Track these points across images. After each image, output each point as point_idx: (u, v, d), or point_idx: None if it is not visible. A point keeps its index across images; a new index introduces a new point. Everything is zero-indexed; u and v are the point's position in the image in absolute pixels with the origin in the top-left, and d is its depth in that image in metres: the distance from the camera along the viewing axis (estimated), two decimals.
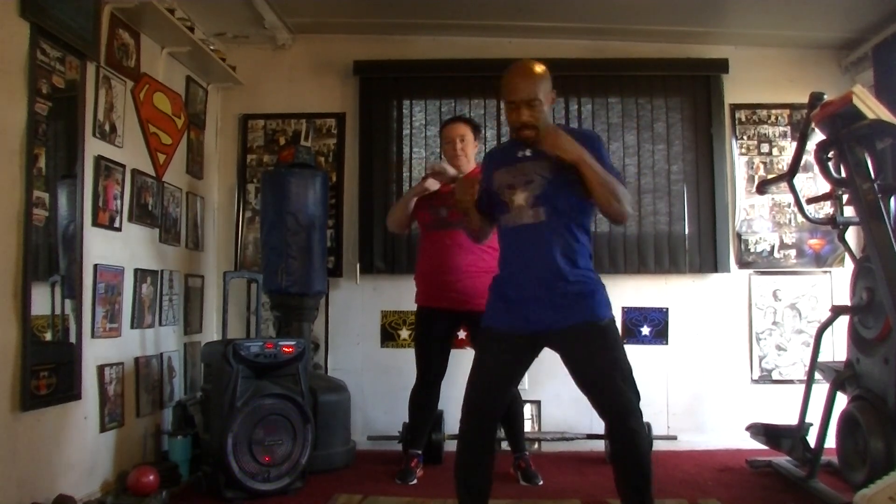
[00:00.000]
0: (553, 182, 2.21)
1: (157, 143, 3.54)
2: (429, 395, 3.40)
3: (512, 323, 2.25)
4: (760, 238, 4.26)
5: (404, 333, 4.23)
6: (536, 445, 4.00)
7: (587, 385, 2.22)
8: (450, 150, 3.38)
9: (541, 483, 3.28)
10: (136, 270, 3.34)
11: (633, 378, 2.19)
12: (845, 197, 3.28)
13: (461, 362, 3.51)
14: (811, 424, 3.21)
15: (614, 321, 2.28)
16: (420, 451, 3.45)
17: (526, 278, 2.23)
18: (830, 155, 3.07)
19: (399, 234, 3.73)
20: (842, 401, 3.14)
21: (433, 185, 3.30)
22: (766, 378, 4.18)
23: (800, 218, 3.97)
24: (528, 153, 2.28)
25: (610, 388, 2.15)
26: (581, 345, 2.20)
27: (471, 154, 3.39)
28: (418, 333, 3.46)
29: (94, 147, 3.00)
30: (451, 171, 3.27)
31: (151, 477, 2.95)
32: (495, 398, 2.31)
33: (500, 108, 4.28)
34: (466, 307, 3.20)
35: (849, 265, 3.65)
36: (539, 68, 2.26)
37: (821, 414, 3.08)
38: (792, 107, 4.26)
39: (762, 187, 3.71)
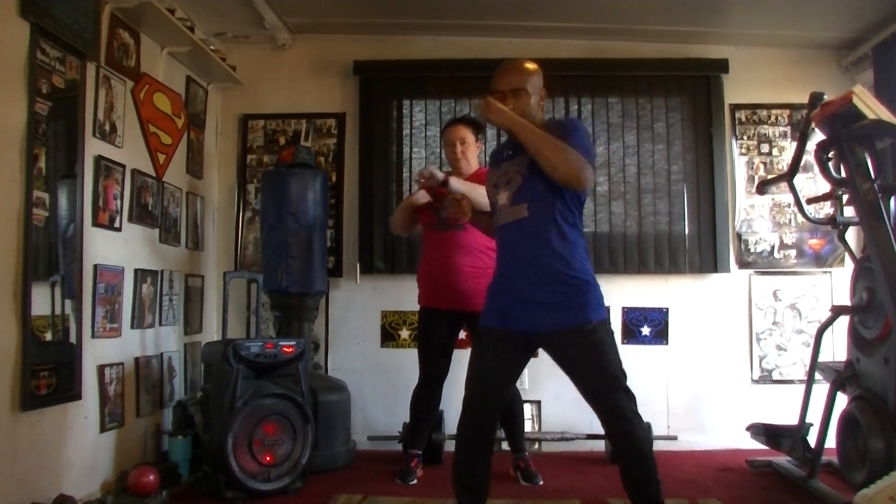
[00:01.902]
0: (527, 177, 2.22)
1: (157, 143, 3.54)
2: (431, 395, 3.40)
3: (505, 322, 2.26)
4: (760, 238, 4.26)
5: (404, 333, 4.23)
6: (536, 445, 4.00)
7: (580, 387, 2.25)
8: (451, 154, 3.38)
9: (541, 483, 3.28)
10: (136, 270, 3.34)
11: (624, 378, 2.19)
12: (845, 197, 3.28)
13: (462, 362, 3.51)
14: (811, 424, 3.21)
15: (606, 321, 2.25)
16: (420, 452, 3.45)
17: (514, 277, 2.25)
18: (830, 155, 3.07)
19: (404, 236, 3.73)
20: (842, 401, 3.14)
21: (422, 198, 3.27)
22: (766, 378, 4.18)
23: (800, 218, 3.97)
24: (510, 152, 2.33)
25: (601, 391, 2.18)
26: (571, 349, 2.22)
27: (472, 156, 3.38)
28: (421, 334, 3.46)
29: (94, 147, 3.00)
30: (439, 175, 3.09)
31: (151, 477, 2.95)
32: (493, 397, 2.32)
33: None
34: (468, 308, 3.19)
35: (849, 265, 3.65)
36: (529, 64, 2.33)
37: (821, 414, 3.09)
38: (792, 107, 4.26)
39: (762, 187, 3.71)
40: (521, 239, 2.24)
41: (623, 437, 2.19)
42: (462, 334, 3.59)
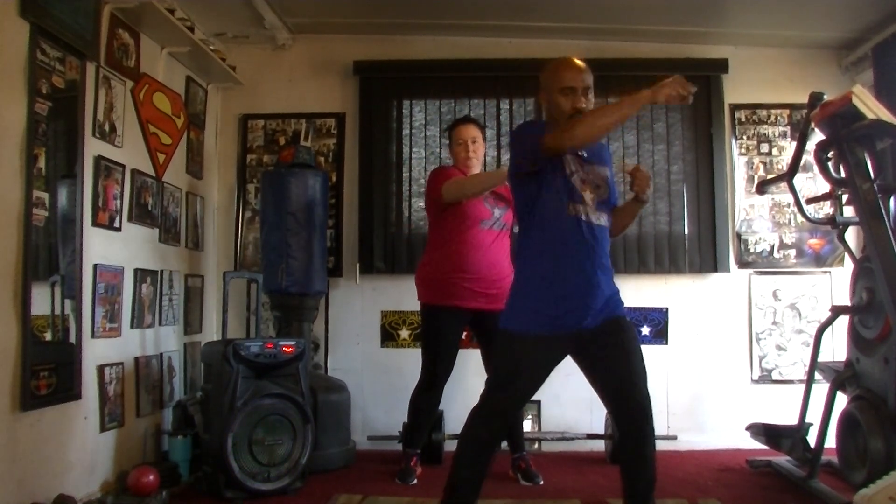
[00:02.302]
0: (610, 193, 2.34)
1: (157, 143, 3.54)
2: (433, 395, 3.37)
3: (563, 323, 2.22)
4: (760, 238, 4.26)
5: (404, 333, 4.23)
6: (536, 445, 4.00)
7: (618, 378, 2.21)
8: (462, 152, 3.34)
9: (541, 483, 3.27)
10: (136, 270, 3.34)
11: None
12: (845, 197, 3.28)
13: (463, 363, 3.51)
14: (811, 424, 3.21)
15: None
16: (419, 451, 3.45)
17: (588, 274, 2.22)
18: (830, 155, 3.07)
19: (460, 199, 3.27)
20: (842, 401, 3.14)
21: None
22: (766, 378, 4.18)
23: (800, 218, 3.97)
24: (584, 153, 2.30)
25: (640, 382, 2.20)
26: (624, 334, 2.24)
27: (481, 156, 3.38)
28: (434, 333, 3.31)
29: (94, 147, 3.00)
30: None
31: (151, 477, 2.95)
32: (524, 405, 2.33)
33: (500, 108, 4.29)
34: (494, 307, 3.04)
35: (849, 265, 3.65)
36: (587, 65, 2.33)
37: (821, 414, 3.09)
38: (792, 107, 4.26)
39: (762, 187, 3.71)
40: (597, 240, 2.26)
41: (645, 436, 2.18)
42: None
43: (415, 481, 3.31)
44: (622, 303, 2.32)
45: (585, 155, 2.31)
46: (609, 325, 2.24)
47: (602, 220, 2.29)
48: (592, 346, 2.24)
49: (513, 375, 2.28)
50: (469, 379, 3.72)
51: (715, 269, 4.18)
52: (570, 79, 2.26)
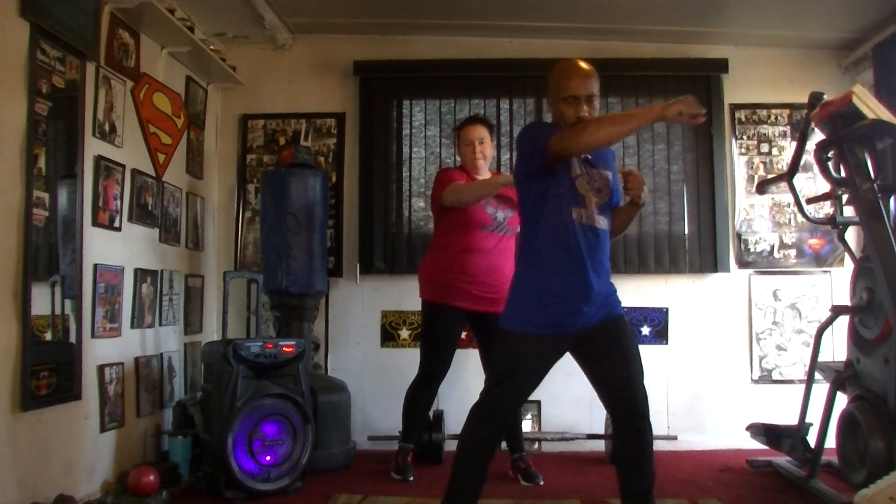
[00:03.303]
0: (610, 197, 2.34)
1: (157, 143, 3.54)
2: (429, 392, 3.39)
3: (561, 323, 2.23)
4: (760, 238, 4.26)
5: (404, 333, 4.23)
6: (536, 445, 4.00)
7: (616, 377, 2.23)
8: (469, 153, 3.31)
9: (541, 483, 3.27)
10: (136, 270, 3.34)
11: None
12: (845, 197, 3.28)
13: (462, 362, 3.52)
14: (811, 424, 3.21)
15: None
16: (412, 445, 3.45)
17: (585, 277, 2.23)
18: (830, 155, 3.07)
19: (459, 206, 3.28)
20: (842, 401, 3.14)
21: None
22: (766, 378, 4.18)
23: (800, 218, 3.97)
24: (590, 156, 2.30)
25: (636, 385, 2.21)
26: (621, 334, 2.26)
27: (489, 157, 3.36)
28: (431, 331, 3.34)
29: (94, 147, 3.00)
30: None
31: (151, 477, 2.95)
32: (522, 404, 2.34)
33: (500, 108, 4.29)
34: (492, 309, 3.07)
35: (849, 265, 3.65)
36: (593, 69, 2.31)
37: (821, 414, 3.09)
38: (792, 107, 4.26)
39: (762, 187, 3.71)
40: (598, 244, 2.27)
41: (642, 434, 2.21)
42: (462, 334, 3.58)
43: (411, 477, 3.31)
44: (619, 302, 2.33)
45: (591, 157, 2.30)
46: (606, 324, 2.25)
47: (602, 223, 2.29)
48: (590, 344, 2.26)
49: (511, 373, 2.28)
50: (468, 379, 3.73)
51: (715, 269, 4.18)
52: (574, 87, 2.24)
